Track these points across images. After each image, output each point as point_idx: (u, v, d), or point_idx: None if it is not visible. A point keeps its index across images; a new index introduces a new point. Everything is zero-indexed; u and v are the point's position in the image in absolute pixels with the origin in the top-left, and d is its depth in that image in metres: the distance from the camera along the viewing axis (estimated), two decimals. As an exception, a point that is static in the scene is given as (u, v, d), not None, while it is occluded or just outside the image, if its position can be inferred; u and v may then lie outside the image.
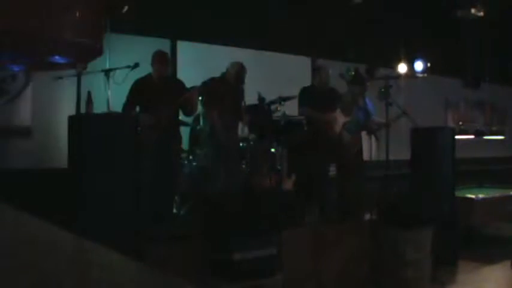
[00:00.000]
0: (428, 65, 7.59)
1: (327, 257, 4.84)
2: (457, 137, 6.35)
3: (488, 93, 10.70)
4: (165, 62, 5.02)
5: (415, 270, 4.80)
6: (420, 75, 7.68)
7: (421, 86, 8.44)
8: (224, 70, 5.46)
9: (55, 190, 3.87)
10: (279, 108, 5.69)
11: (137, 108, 4.92)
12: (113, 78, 4.44)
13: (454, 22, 8.83)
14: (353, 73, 5.95)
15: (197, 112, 5.30)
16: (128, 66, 4.59)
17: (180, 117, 5.25)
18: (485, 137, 10.40)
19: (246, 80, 5.56)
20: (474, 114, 10.83)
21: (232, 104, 5.34)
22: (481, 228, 6.61)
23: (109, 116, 4.18)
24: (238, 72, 5.38)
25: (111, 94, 4.39)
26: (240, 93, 5.46)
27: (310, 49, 7.87)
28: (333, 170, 5.81)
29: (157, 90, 4.89)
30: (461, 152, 6.38)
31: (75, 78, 4.33)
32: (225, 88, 5.30)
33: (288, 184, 5.59)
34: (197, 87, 5.11)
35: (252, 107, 5.71)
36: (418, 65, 7.71)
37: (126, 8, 4.59)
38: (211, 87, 5.20)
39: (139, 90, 4.87)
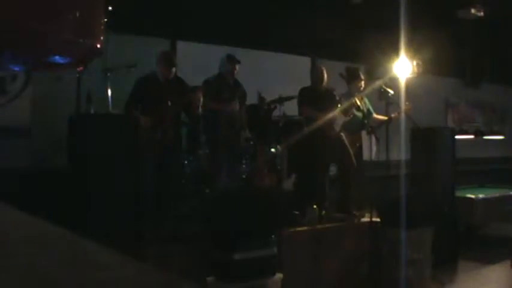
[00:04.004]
0: (427, 65, 7.59)
1: (327, 257, 4.84)
2: (457, 137, 6.35)
3: (488, 93, 10.70)
4: (172, 63, 4.99)
5: (415, 270, 4.80)
6: (420, 75, 7.68)
7: (421, 86, 8.43)
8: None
9: (55, 190, 3.88)
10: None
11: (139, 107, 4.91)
12: (113, 78, 4.44)
13: (454, 22, 8.83)
14: (351, 72, 5.95)
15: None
16: (128, 66, 4.59)
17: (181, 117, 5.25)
18: (485, 137, 10.41)
19: (247, 80, 5.56)
20: (474, 114, 10.83)
21: (230, 99, 5.32)
22: (481, 228, 6.61)
23: (109, 116, 4.18)
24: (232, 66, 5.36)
25: (111, 94, 4.39)
26: (240, 91, 5.45)
27: (310, 49, 7.87)
28: (332, 170, 5.81)
29: (161, 89, 4.89)
30: (461, 152, 6.39)
31: (75, 78, 4.33)
32: (223, 84, 5.31)
33: (288, 184, 5.59)
34: (200, 87, 5.12)
35: (252, 107, 5.71)
36: (417, 65, 7.71)
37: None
38: (214, 85, 5.22)
39: (142, 89, 4.87)
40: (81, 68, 3.79)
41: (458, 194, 6.18)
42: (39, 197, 4.38)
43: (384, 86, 5.90)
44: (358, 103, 5.88)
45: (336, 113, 5.68)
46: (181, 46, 6.74)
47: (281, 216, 4.58)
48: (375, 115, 6.18)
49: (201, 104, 5.32)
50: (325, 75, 5.84)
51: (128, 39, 5.95)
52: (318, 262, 4.73)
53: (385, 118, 5.91)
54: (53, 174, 4.64)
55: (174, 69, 5.00)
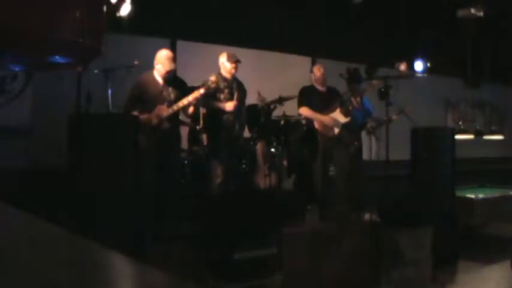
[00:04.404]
0: (428, 65, 7.59)
1: (327, 257, 4.84)
2: (457, 137, 6.34)
3: (488, 93, 10.70)
4: (171, 61, 4.98)
5: (415, 270, 4.80)
6: (420, 75, 7.69)
7: (421, 86, 8.44)
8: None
9: (55, 190, 3.88)
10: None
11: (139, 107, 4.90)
12: (113, 78, 4.43)
13: (454, 22, 8.83)
14: (351, 73, 5.96)
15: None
16: (128, 66, 4.59)
17: (180, 117, 5.25)
18: (485, 137, 10.40)
19: (246, 80, 5.55)
20: (474, 114, 10.83)
21: (230, 99, 5.31)
22: (481, 228, 6.60)
23: (109, 116, 4.18)
24: (232, 66, 5.35)
25: (111, 94, 4.39)
26: (240, 90, 5.44)
27: (310, 49, 7.87)
28: (333, 170, 5.82)
29: (160, 89, 4.89)
30: (461, 152, 6.38)
31: (75, 78, 4.33)
32: (223, 84, 5.31)
33: (288, 184, 5.59)
34: (200, 90, 5.12)
35: (252, 107, 5.71)
36: (418, 65, 7.71)
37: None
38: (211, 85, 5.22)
39: (141, 89, 4.86)
40: (81, 68, 3.79)
41: (458, 194, 6.16)
42: (39, 197, 4.38)
43: (384, 86, 5.90)
44: (358, 103, 5.88)
45: (335, 113, 5.69)
46: (181, 46, 6.75)
47: (281, 216, 4.58)
48: (373, 116, 6.18)
49: (200, 104, 5.30)
50: (325, 75, 5.84)
51: (128, 39, 5.95)
52: (318, 262, 4.73)
53: (383, 119, 5.92)
54: (53, 174, 4.64)
55: (173, 69, 4.99)
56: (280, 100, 5.71)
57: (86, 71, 4.26)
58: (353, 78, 6.10)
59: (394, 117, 5.83)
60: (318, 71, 5.94)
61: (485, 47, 9.75)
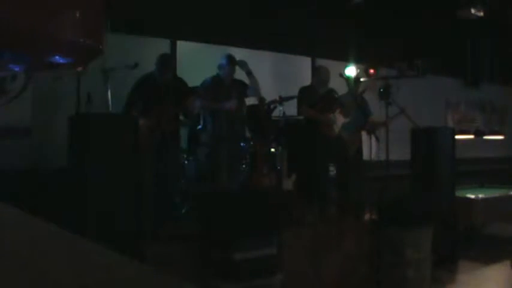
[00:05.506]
0: (428, 65, 7.59)
1: (327, 257, 4.84)
2: (457, 137, 6.34)
3: (488, 93, 10.70)
4: (169, 66, 5.01)
5: (415, 270, 4.79)
6: (420, 75, 7.68)
7: (421, 86, 8.43)
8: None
9: (55, 190, 3.87)
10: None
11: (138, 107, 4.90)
12: (113, 78, 4.43)
13: (454, 22, 8.83)
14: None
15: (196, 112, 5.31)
16: (128, 66, 4.59)
17: (180, 117, 5.25)
18: (485, 137, 10.39)
19: (247, 80, 5.54)
20: (474, 114, 10.83)
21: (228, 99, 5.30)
22: (481, 228, 6.60)
23: (109, 116, 4.18)
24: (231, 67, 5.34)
25: (111, 94, 4.38)
26: (239, 89, 5.41)
27: (310, 49, 7.87)
28: (332, 170, 5.82)
29: (160, 90, 4.89)
30: (461, 152, 6.38)
31: (75, 78, 4.33)
32: (222, 85, 5.31)
33: (288, 184, 5.59)
34: (197, 91, 5.12)
35: (252, 107, 5.71)
36: (418, 65, 7.71)
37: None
38: (210, 86, 5.22)
39: (141, 89, 4.87)
40: (81, 68, 3.79)
41: (458, 194, 6.17)
42: (39, 197, 4.38)
43: (384, 86, 5.90)
44: (358, 103, 5.89)
45: (335, 113, 5.68)
46: (181, 46, 6.75)
47: (281, 216, 4.58)
48: (372, 118, 6.17)
49: (196, 107, 5.27)
50: (329, 75, 5.84)
51: (128, 39, 5.95)
52: (318, 262, 4.73)
53: (381, 121, 5.90)
54: (53, 174, 4.64)
55: (172, 70, 5.01)
56: (280, 100, 5.71)
57: (86, 71, 4.26)
58: (354, 78, 6.11)
59: (390, 119, 5.81)
60: (324, 73, 5.91)
61: (485, 47, 9.76)
